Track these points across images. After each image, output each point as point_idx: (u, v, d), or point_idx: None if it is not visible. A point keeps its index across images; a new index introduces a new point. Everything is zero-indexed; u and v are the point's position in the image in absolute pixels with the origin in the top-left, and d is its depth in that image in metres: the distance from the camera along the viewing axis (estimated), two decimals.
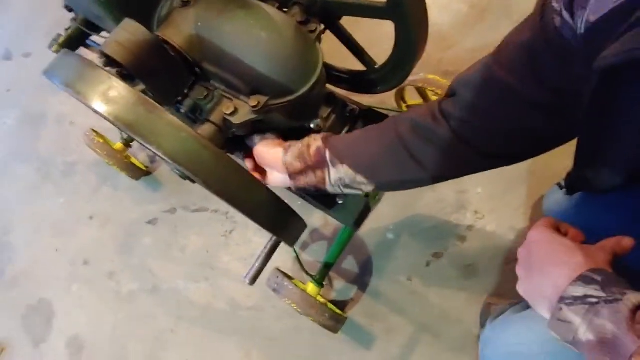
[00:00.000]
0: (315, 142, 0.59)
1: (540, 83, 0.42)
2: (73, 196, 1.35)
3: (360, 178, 0.57)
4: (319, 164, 0.58)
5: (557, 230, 0.45)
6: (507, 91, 0.45)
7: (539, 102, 0.44)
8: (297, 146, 0.61)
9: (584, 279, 0.36)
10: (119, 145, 1.21)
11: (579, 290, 0.36)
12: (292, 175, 0.60)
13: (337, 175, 0.58)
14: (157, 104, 0.44)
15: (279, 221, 0.53)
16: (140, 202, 1.29)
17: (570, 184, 0.68)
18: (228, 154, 0.49)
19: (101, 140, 1.16)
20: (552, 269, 0.39)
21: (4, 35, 1.74)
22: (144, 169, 1.30)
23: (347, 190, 0.60)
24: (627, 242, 0.41)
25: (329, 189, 0.60)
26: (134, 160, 1.28)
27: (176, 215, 1.25)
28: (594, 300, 0.34)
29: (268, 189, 0.50)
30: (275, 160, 0.62)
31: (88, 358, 1.11)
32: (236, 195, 0.46)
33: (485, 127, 0.49)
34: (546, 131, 0.48)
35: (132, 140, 1.24)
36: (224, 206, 1.23)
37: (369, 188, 0.59)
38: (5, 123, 1.54)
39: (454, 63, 1.27)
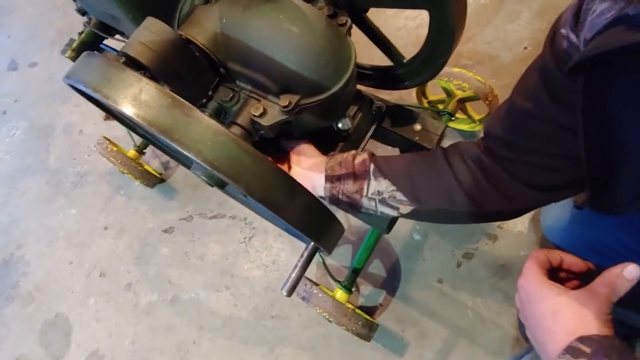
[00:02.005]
0: (361, 155, 0.59)
1: (557, 103, 0.43)
2: (85, 207, 1.32)
3: (400, 196, 0.56)
4: (361, 174, 0.57)
5: (550, 264, 0.43)
6: (529, 117, 0.46)
7: (559, 122, 0.44)
8: (341, 154, 0.60)
9: (571, 352, 0.35)
10: (132, 152, 1.18)
11: None
12: (330, 179, 0.58)
13: (377, 188, 0.57)
14: (192, 106, 0.40)
15: (321, 227, 0.49)
16: (156, 211, 1.26)
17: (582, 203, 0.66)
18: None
19: (115, 148, 1.13)
20: (540, 337, 0.39)
21: (9, 46, 1.72)
22: (158, 176, 1.26)
23: (380, 207, 0.58)
24: (631, 271, 0.38)
25: (364, 201, 0.58)
26: (147, 167, 1.24)
27: (193, 223, 1.22)
28: None
29: (310, 193, 0.46)
30: (315, 163, 0.60)
31: None
32: (280, 201, 0.43)
33: (521, 158, 0.49)
34: (576, 155, 0.46)
35: (146, 147, 1.21)
36: (241, 212, 1.20)
37: (407, 209, 0.57)
38: (14, 134, 1.51)
39: (473, 56, 1.23)
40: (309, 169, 0.62)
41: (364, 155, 0.58)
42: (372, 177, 0.56)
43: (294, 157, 0.65)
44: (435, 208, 0.56)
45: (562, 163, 0.47)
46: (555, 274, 0.44)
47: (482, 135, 0.55)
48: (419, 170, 0.56)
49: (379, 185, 0.56)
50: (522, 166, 0.50)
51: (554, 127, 0.44)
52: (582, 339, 0.35)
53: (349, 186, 0.57)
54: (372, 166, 0.57)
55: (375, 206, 0.58)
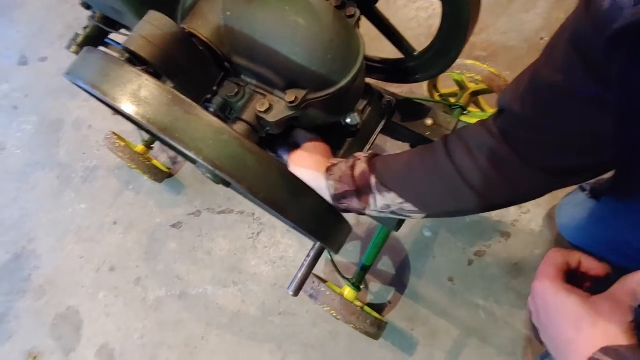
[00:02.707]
0: (360, 163, 0.55)
1: (594, 75, 0.37)
2: (95, 202, 1.32)
3: (409, 206, 0.53)
4: (364, 189, 0.54)
5: (568, 266, 0.40)
6: (557, 92, 0.41)
7: (593, 97, 0.39)
8: (339, 167, 0.56)
9: None
10: (140, 147, 1.18)
11: None
12: (335, 197, 0.55)
13: (384, 202, 0.54)
14: (193, 103, 0.39)
15: (327, 227, 0.48)
16: (164, 206, 1.26)
17: (600, 190, 0.61)
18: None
19: (122, 143, 1.12)
20: (561, 347, 0.37)
21: (19, 41, 1.72)
22: (166, 170, 1.26)
23: (392, 216, 0.56)
24: None
25: (373, 213, 0.56)
26: (155, 162, 1.24)
27: (201, 218, 1.21)
28: None
29: (316, 193, 0.45)
30: (316, 181, 0.56)
31: None
32: (284, 201, 0.41)
33: (539, 139, 0.44)
34: (604, 136, 0.42)
35: (154, 142, 1.21)
36: (249, 208, 1.19)
37: (418, 216, 0.54)
38: (25, 129, 1.52)
39: (487, 47, 1.19)
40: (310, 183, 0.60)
41: (363, 165, 0.55)
42: (376, 192, 0.53)
43: (292, 166, 0.62)
44: (446, 210, 0.53)
45: (585, 145, 0.42)
46: (572, 275, 0.42)
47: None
48: (422, 175, 0.52)
49: (385, 200, 0.53)
50: (540, 148, 0.44)
51: (585, 104, 0.39)
52: (606, 350, 0.33)
53: (354, 203, 0.55)
54: (373, 179, 0.53)
55: (386, 215, 0.56)
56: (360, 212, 0.56)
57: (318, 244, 0.57)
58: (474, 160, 0.48)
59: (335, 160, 0.58)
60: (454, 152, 0.49)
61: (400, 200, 0.52)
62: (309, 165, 0.60)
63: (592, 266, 0.41)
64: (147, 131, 0.71)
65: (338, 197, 0.55)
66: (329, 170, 0.57)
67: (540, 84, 0.42)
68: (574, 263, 0.41)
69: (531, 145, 0.45)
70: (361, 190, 0.54)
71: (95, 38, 0.79)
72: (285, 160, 0.64)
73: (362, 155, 0.57)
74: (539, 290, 0.40)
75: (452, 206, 0.52)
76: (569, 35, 0.38)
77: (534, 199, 0.52)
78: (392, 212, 0.54)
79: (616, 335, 0.33)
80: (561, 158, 0.44)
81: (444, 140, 0.51)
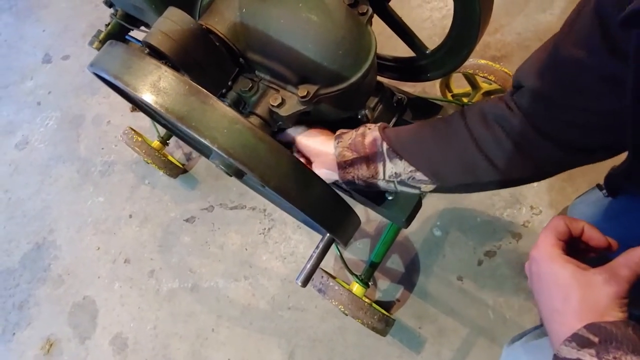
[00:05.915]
0: (371, 132, 0.54)
1: (613, 51, 0.37)
2: (112, 195, 1.36)
3: (420, 175, 0.52)
4: (374, 156, 0.53)
5: (570, 234, 0.39)
6: (577, 67, 0.40)
7: (611, 75, 0.38)
8: (350, 135, 0.56)
9: (577, 340, 0.32)
10: (156, 143, 1.21)
11: (572, 353, 0.32)
12: (342, 165, 0.55)
13: (394, 170, 0.53)
14: (209, 94, 0.41)
15: (336, 218, 0.49)
16: (178, 200, 1.29)
17: (616, 182, 0.60)
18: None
19: (139, 139, 1.16)
20: (549, 317, 0.36)
21: (44, 40, 1.78)
22: (181, 166, 1.29)
23: (401, 188, 0.55)
24: None
25: (382, 184, 0.55)
26: (171, 158, 1.27)
27: (214, 213, 1.24)
28: None
29: (326, 183, 0.46)
30: (323, 150, 0.57)
31: (132, 355, 1.12)
32: (295, 190, 0.43)
33: (558, 116, 0.44)
34: (622, 115, 0.41)
35: (169, 137, 1.24)
36: (261, 203, 1.21)
37: (429, 188, 0.53)
38: (48, 125, 1.58)
39: (502, 47, 1.19)
40: (318, 159, 0.59)
41: (374, 133, 0.54)
42: (386, 159, 0.52)
43: (299, 146, 0.62)
44: (459, 183, 0.51)
45: (603, 122, 0.42)
46: (576, 244, 0.40)
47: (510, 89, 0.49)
48: (436, 143, 0.51)
49: (395, 167, 0.52)
50: (559, 125, 0.43)
51: (606, 81, 0.38)
52: (591, 327, 0.32)
53: (363, 171, 0.54)
54: (384, 146, 0.52)
55: (395, 187, 0.55)
56: (366, 182, 0.55)
57: (327, 235, 0.58)
58: (490, 130, 0.47)
59: (344, 130, 0.58)
60: (469, 120, 0.49)
61: (411, 168, 0.51)
62: (317, 136, 0.59)
63: (593, 235, 0.40)
64: (164, 123, 0.73)
65: (345, 164, 0.54)
66: (338, 137, 0.56)
67: (561, 59, 0.41)
68: (576, 231, 0.39)
69: (549, 120, 0.44)
70: (371, 158, 0.52)
71: (116, 35, 0.82)
72: (293, 136, 0.63)
73: (372, 125, 0.56)
74: (536, 257, 0.39)
75: (467, 177, 0.50)
76: (594, 9, 0.37)
77: (550, 175, 0.51)
78: (401, 182, 0.53)
79: (605, 309, 0.32)
80: (579, 134, 0.44)
81: (461, 111, 0.51)
